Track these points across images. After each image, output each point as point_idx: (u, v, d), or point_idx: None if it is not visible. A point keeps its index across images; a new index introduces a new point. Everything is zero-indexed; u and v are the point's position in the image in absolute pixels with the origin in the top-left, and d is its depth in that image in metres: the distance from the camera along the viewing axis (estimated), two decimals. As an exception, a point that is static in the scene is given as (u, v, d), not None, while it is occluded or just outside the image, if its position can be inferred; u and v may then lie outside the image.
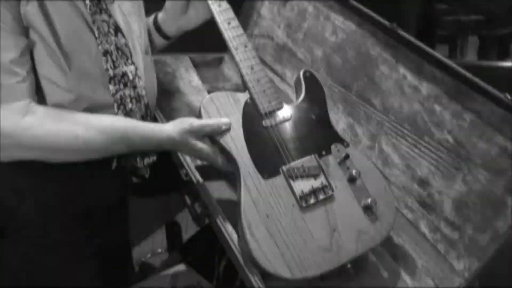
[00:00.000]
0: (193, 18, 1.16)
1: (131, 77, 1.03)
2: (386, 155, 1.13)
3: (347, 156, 0.96)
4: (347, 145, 0.99)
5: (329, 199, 0.93)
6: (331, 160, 0.97)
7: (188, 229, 1.67)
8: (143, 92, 1.06)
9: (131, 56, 1.04)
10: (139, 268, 1.82)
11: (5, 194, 0.99)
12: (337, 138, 1.00)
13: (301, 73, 1.05)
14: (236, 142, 0.95)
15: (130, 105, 1.03)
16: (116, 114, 1.00)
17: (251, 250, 0.86)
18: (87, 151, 0.96)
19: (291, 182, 0.92)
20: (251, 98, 0.99)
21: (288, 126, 0.98)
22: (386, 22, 1.12)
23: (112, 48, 1.02)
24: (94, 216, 1.07)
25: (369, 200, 0.93)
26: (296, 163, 0.94)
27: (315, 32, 1.32)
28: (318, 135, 1.00)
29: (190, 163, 1.09)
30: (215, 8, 1.05)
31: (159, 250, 1.93)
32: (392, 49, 1.13)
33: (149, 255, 1.91)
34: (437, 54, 1.03)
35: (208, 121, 0.96)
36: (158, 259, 1.90)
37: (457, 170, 1.00)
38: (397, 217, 1.01)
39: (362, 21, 1.19)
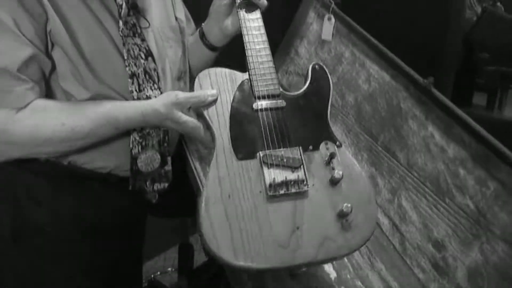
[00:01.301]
0: (236, 21, 1.13)
1: None
2: (405, 211, 1.12)
3: (333, 155, 0.91)
4: (339, 146, 0.95)
5: (302, 195, 0.88)
6: (317, 157, 0.93)
7: (202, 251, 1.68)
8: None
9: (158, 81, 1.06)
10: (148, 284, 1.83)
11: (23, 201, 1.03)
12: (329, 136, 0.95)
13: (311, 65, 1.02)
14: (219, 118, 0.93)
15: (147, 129, 1.04)
16: (131, 134, 1.03)
17: (201, 224, 0.82)
18: (75, 138, 0.96)
19: (265, 168, 0.88)
20: (249, 78, 0.98)
21: (279, 114, 0.95)
22: (420, 78, 1.12)
23: (140, 71, 1.04)
24: (107, 232, 1.08)
25: (345, 207, 0.86)
26: (276, 152, 0.90)
27: (349, 78, 1.33)
28: (310, 129, 0.96)
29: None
30: None
31: (169, 269, 1.95)
32: (423, 105, 1.12)
33: (158, 273, 1.93)
34: (467, 118, 1.02)
35: (194, 93, 0.95)
36: (168, 278, 1.91)
37: (475, 238, 0.98)
38: (408, 275, 0.99)
39: (396, 74, 1.19)
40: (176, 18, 1.18)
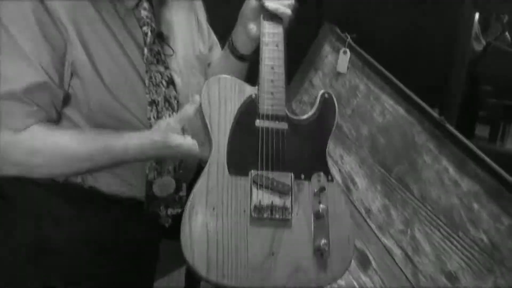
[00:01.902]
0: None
1: None
2: (418, 242, 1.14)
3: (322, 189, 0.91)
4: (331, 180, 0.93)
5: (284, 222, 0.88)
6: (306, 187, 0.92)
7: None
8: None
9: (177, 109, 1.06)
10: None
11: (44, 220, 1.03)
12: (324, 168, 0.94)
13: (321, 92, 1.01)
14: (220, 127, 0.92)
15: None
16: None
17: (181, 231, 0.84)
18: (71, 162, 0.97)
19: (254, 188, 0.88)
20: (257, 94, 0.96)
21: (279, 136, 0.93)
22: (435, 114, 1.15)
23: (160, 99, 1.04)
24: (122, 253, 1.10)
25: (323, 243, 0.87)
26: (269, 174, 0.90)
27: (363, 110, 1.37)
28: (306, 157, 0.94)
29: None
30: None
31: (177, 291, 1.94)
32: (437, 140, 1.15)
33: (166, 293, 1.93)
34: (481, 153, 1.05)
35: (182, 111, 0.94)
36: (175, 300, 1.91)
37: (489, 272, 1.00)
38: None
39: (410, 108, 1.23)
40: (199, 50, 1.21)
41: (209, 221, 0.85)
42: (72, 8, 0.94)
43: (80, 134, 0.98)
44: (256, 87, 0.97)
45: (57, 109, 0.99)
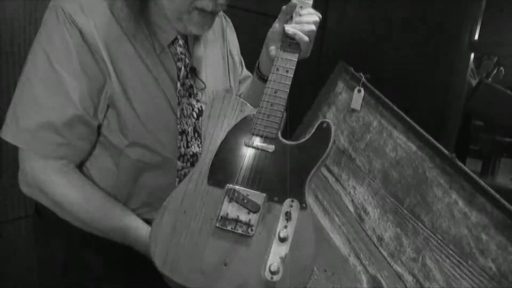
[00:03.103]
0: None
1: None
2: (429, 269, 1.22)
3: (290, 215, 0.92)
4: (304, 207, 0.93)
5: (245, 238, 0.90)
6: (277, 210, 0.92)
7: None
8: None
9: None
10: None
11: (75, 239, 1.09)
12: (299, 195, 0.94)
13: (320, 121, 1.02)
14: (212, 140, 0.98)
15: None
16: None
17: (152, 224, 0.92)
18: (69, 215, 1.04)
19: (225, 201, 0.92)
20: (255, 115, 1.01)
21: (263, 156, 0.97)
22: (446, 151, 1.24)
23: (190, 129, 1.10)
24: (149, 271, 1.14)
25: (273, 266, 0.87)
26: (243, 190, 0.93)
27: (376, 146, 1.45)
28: (285, 182, 0.95)
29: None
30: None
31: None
32: (447, 175, 1.24)
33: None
34: (490, 189, 1.14)
35: None
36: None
37: (497, 298, 1.08)
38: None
39: (422, 145, 1.32)
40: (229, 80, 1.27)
41: (177, 222, 0.91)
42: (111, 44, 0.99)
43: (89, 199, 1.04)
44: (258, 108, 1.02)
45: (91, 139, 1.04)
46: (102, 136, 1.07)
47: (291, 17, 1.11)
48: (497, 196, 1.13)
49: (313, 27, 1.08)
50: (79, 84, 0.97)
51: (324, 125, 1.00)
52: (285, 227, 0.91)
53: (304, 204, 0.93)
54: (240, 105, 1.03)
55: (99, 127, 1.05)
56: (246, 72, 1.39)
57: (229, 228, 0.90)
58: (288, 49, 1.07)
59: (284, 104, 1.02)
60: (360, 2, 2.74)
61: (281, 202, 0.93)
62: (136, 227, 1.05)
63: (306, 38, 1.07)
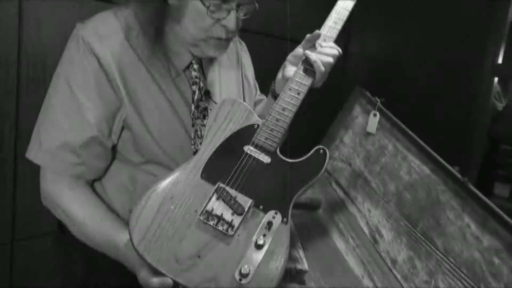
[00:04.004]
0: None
1: None
2: (441, 292, 1.22)
3: (270, 225, 0.94)
4: (285, 222, 0.96)
5: (223, 236, 0.92)
6: (259, 218, 0.95)
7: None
8: None
9: None
10: None
11: (93, 252, 1.09)
12: (283, 210, 0.97)
13: (317, 147, 1.05)
14: (214, 138, 1.02)
15: None
16: None
17: (137, 202, 0.93)
18: (83, 237, 1.07)
19: (213, 197, 0.94)
20: (260, 125, 1.05)
21: (258, 165, 1.00)
22: (459, 175, 1.26)
23: None
24: None
25: (245, 268, 0.89)
26: (233, 191, 0.96)
27: (391, 168, 1.47)
28: (272, 193, 0.98)
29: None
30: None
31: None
32: (460, 199, 1.25)
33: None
34: (502, 213, 1.15)
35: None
36: None
37: (508, 322, 1.08)
38: None
39: (436, 168, 1.33)
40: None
41: (163, 205, 0.93)
42: (126, 71, 1.04)
43: (88, 214, 1.06)
44: (263, 120, 1.07)
45: (105, 159, 1.09)
46: (119, 154, 1.12)
47: (314, 46, 1.16)
48: (510, 220, 1.13)
49: (331, 60, 1.13)
50: (95, 108, 1.03)
51: (321, 151, 1.04)
52: (264, 235, 0.93)
53: (285, 219, 0.96)
54: (247, 112, 1.07)
55: (114, 147, 1.11)
56: (260, 95, 1.43)
57: (211, 223, 0.93)
58: (304, 74, 1.12)
59: (288, 122, 1.06)
60: (382, 27, 2.77)
61: (265, 211, 0.96)
62: (127, 243, 1.05)
63: (323, 68, 1.11)
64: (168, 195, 0.95)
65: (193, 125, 1.12)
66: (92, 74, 1.02)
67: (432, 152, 1.35)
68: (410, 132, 1.44)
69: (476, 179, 2.63)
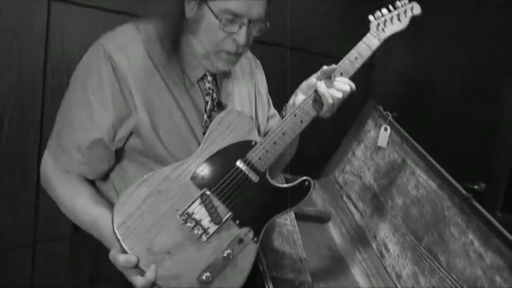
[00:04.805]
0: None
1: None
2: (444, 309, 1.22)
3: (241, 241, 0.98)
4: (255, 241, 0.99)
5: (196, 240, 0.96)
6: (233, 231, 0.99)
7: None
8: None
9: None
10: None
11: (102, 250, 1.09)
12: (257, 229, 1.00)
13: (304, 178, 1.07)
14: (212, 144, 1.05)
15: None
16: None
17: (125, 190, 0.97)
18: (70, 215, 1.11)
19: (197, 201, 0.98)
20: (257, 143, 1.07)
21: (245, 182, 1.03)
22: (463, 191, 1.25)
23: None
24: None
25: (206, 276, 0.94)
26: (216, 201, 0.99)
27: (399, 183, 1.47)
28: (252, 212, 1.02)
29: (266, 271, 1.23)
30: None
31: None
32: (465, 215, 1.24)
33: None
34: (504, 230, 1.14)
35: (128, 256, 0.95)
36: None
37: None
38: None
39: (442, 183, 1.33)
40: (256, 116, 1.33)
41: (149, 197, 0.97)
42: (141, 78, 1.09)
43: (80, 203, 1.10)
44: (262, 139, 1.09)
45: (108, 161, 1.13)
46: (127, 153, 1.16)
47: (330, 77, 1.18)
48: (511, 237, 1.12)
49: (341, 96, 1.14)
50: (104, 111, 1.07)
51: (306, 183, 1.07)
52: (233, 249, 0.97)
53: (256, 238, 1.00)
54: (249, 127, 1.10)
55: (118, 151, 1.15)
56: (273, 110, 1.45)
57: (188, 225, 0.96)
58: (312, 103, 1.13)
59: (285, 147, 1.08)
60: (407, 42, 2.76)
61: (240, 226, 1.00)
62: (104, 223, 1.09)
63: (331, 101, 1.12)
64: (156, 189, 0.98)
65: (204, 134, 1.14)
66: (106, 79, 1.07)
67: (439, 167, 1.34)
68: (419, 147, 1.44)
69: (505, 192, 2.57)
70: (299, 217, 1.59)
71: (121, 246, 0.93)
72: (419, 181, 1.41)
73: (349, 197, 1.65)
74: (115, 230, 0.94)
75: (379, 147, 1.59)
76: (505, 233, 1.14)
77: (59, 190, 1.12)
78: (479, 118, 2.38)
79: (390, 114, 1.56)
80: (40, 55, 1.65)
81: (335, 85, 1.13)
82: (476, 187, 1.91)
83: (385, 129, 1.56)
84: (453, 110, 2.45)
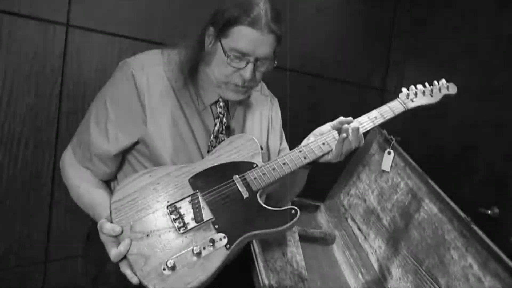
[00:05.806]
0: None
1: None
2: (444, 332, 1.22)
3: (213, 243, 1.03)
4: (226, 248, 1.04)
5: (174, 231, 1.04)
6: (210, 233, 1.05)
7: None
8: None
9: None
10: None
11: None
12: (232, 238, 1.05)
13: (291, 206, 1.11)
14: (217, 157, 1.17)
15: None
16: None
17: (127, 178, 1.10)
18: (76, 199, 1.24)
19: (187, 199, 1.08)
20: (258, 167, 1.16)
21: (235, 195, 1.11)
22: (463, 215, 1.27)
23: None
24: None
25: (169, 262, 0.99)
26: (203, 203, 1.08)
27: (402, 206, 1.49)
28: (232, 223, 1.07)
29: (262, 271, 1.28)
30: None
31: None
32: (464, 238, 1.26)
33: None
34: (503, 255, 1.15)
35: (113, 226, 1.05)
36: None
37: None
38: None
39: (443, 207, 1.35)
40: (267, 147, 1.40)
41: (148, 185, 1.09)
42: (157, 97, 1.21)
43: (84, 186, 1.24)
44: (263, 164, 1.18)
45: (112, 167, 1.25)
46: (135, 156, 1.26)
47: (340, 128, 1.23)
48: (510, 262, 1.13)
49: (349, 148, 1.22)
50: (118, 125, 1.19)
51: (293, 211, 1.11)
52: (204, 248, 1.03)
53: (228, 246, 1.05)
54: (255, 152, 1.20)
55: (124, 157, 1.27)
56: (285, 143, 1.51)
57: (172, 216, 1.06)
58: (321, 146, 1.21)
59: (283, 176, 1.16)
60: (419, 66, 2.78)
61: (217, 231, 1.06)
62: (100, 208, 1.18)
63: (351, 137, 1.21)
64: (156, 180, 1.10)
65: (208, 152, 1.24)
66: (126, 93, 1.19)
67: (440, 191, 1.36)
68: (422, 172, 1.46)
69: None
70: (304, 238, 1.61)
71: (111, 217, 1.05)
72: (421, 205, 1.42)
73: (353, 220, 1.67)
74: (110, 204, 1.06)
75: (383, 171, 1.61)
76: (504, 258, 1.15)
77: (71, 177, 1.26)
78: (494, 148, 2.35)
79: (393, 138, 1.58)
80: (56, 80, 1.72)
81: (347, 137, 1.21)
82: (489, 212, 1.91)
83: (389, 153, 1.59)
84: (467, 136, 2.41)
